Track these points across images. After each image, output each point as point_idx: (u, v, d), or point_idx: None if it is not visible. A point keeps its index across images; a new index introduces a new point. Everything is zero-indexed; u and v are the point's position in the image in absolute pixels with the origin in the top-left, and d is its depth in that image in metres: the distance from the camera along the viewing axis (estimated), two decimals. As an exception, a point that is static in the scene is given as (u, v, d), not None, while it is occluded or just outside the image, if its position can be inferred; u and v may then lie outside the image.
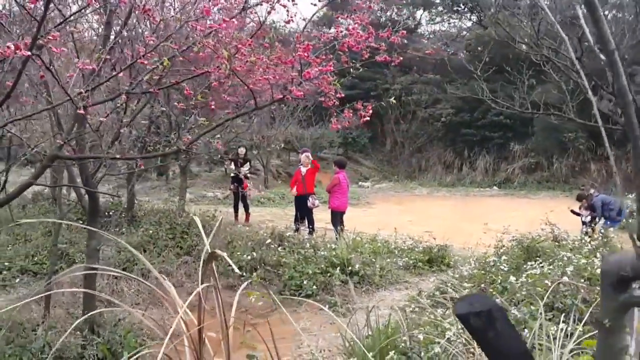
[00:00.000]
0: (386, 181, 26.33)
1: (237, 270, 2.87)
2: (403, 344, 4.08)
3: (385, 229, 12.68)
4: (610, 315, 1.23)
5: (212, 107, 4.88)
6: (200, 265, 7.47)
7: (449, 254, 8.83)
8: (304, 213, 11.24)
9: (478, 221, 14.35)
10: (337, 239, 10.10)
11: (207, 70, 3.63)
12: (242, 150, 14.42)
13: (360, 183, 24.95)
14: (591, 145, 23.49)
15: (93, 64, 3.21)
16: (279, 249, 7.69)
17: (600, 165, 23.51)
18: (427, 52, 25.47)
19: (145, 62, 3.54)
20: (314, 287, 6.79)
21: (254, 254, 7.48)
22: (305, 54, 3.69)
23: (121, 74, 3.78)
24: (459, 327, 3.72)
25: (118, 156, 4.33)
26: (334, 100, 6.12)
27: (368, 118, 3.83)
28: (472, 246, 8.94)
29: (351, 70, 4.45)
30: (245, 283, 4.19)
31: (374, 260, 7.99)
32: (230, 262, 2.76)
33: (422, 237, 9.90)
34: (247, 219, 13.63)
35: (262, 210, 16.10)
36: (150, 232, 8.30)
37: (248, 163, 14.35)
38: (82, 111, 3.24)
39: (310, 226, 11.11)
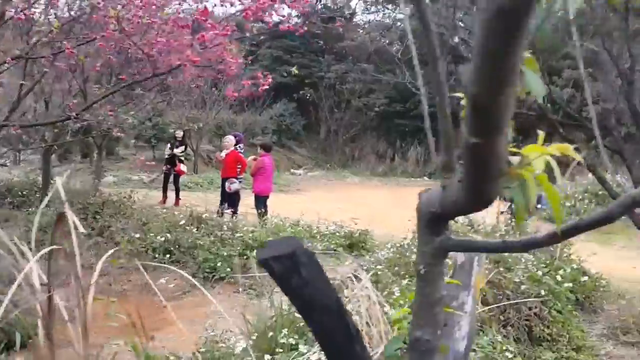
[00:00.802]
0: (319, 169, 26.28)
1: (82, 229, 2.62)
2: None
3: (313, 215, 12.65)
4: (426, 261, 1.12)
5: (124, 77, 4.64)
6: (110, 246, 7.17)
7: (370, 239, 8.82)
8: (225, 196, 11.07)
9: (406, 209, 14.50)
10: (259, 222, 9.96)
11: (95, 37, 3.40)
12: (179, 133, 14.28)
13: (292, 170, 24.82)
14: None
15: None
16: (195, 231, 7.46)
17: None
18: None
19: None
20: (228, 269, 6.63)
21: (168, 235, 7.24)
22: (203, 18, 3.50)
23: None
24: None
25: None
26: (234, 69, 5.99)
27: (267, 87, 3.60)
28: (395, 233, 8.97)
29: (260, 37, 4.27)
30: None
31: (293, 243, 7.87)
32: (77, 221, 2.50)
33: (347, 223, 9.89)
34: (176, 202, 13.36)
35: (189, 195, 15.69)
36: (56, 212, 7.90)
37: (183, 146, 14.02)
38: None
39: (232, 209, 10.90)
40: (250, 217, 9.87)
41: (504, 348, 4.06)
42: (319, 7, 31.99)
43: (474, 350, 3.89)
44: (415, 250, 6.15)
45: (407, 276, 5.30)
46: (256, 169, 10.77)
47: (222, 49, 9.30)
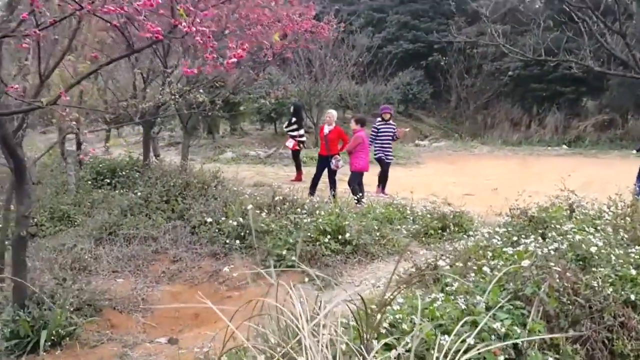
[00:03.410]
0: (446, 139, 25.10)
1: None
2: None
3: (422, 191, 11.95)
4: None
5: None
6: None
7: (466, 221, 8.02)
8: (321, 175, 10.76)
9: (528, 183, 13.32)
10: (361, 202, 9.49)
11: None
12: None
13: (416, 142, 23.92)
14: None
15: None
16: (264, 215, 7.16)
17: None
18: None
19: None
20: (293, 257, 6.26)
21: (241, 219, 7.01)
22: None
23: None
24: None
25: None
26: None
27: (235, 60, 3.02)
28: (502, 211, 8.08)
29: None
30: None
31: (376, 227, 7.34)
32: None
33: (456, 199, 9.14)
34: (296, 177, 13.53)
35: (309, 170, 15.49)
36: (145, 193, 7.99)
37: (291, 120, 13.98)
38: None
39: (333, 190, 10.51)
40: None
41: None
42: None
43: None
44: (494, 240, 5.35)
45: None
46: (355, 145, 10.27)
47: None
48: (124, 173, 9.71)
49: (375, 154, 11.66)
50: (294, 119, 13.88)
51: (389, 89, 24.81)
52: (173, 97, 6.85)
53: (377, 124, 11.88)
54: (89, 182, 9.60)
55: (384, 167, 11.73)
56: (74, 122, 4.52)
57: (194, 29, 2.36)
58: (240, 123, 21.73)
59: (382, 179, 11.69)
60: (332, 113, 11.33)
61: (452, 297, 3.93)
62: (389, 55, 25.85)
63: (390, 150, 11.91)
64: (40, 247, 6.93)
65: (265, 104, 18.38)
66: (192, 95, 7.14)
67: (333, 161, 10.56)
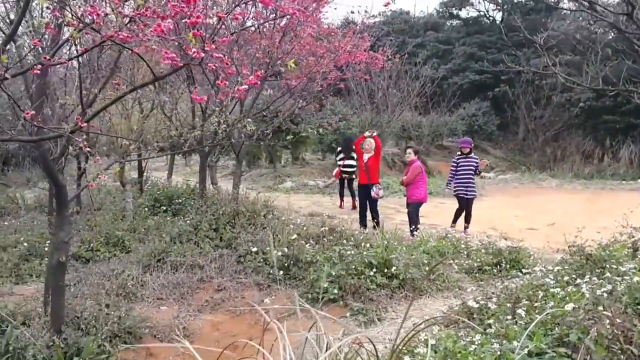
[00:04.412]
0: (512, 172, 24.38)
1: None
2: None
3: (484, 224, 11.54)
4: None
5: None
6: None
7: (523, 257, 7.64)
8: (367, 204, 10.54)
9: (596, 218, 12.68)
10: (413, 235, 9.26)
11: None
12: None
13: (482, 174, 23.30)
14: None
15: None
16: (308, 246, 7.04)
17: None
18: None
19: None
20: (335, 290, 6.09)
21: (286, 249, 6.92)
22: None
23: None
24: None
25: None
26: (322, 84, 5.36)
27: (246, 87, 2.89)
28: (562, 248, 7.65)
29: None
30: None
31: (425, 261, 7.09)
32: None
33: (518, 234, 8.73)
34: (353, 205, 13.80)
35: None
36: (195, 221, 8.04)
37: (341, 152, 14.37)
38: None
39: (376, 219, 10.28)
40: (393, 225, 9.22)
41: None
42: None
43: None
44: (548, 280, 5.03)
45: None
46: (414, 176, 9.99)
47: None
48: (180, 201, 9.84)
49: (455, 190, 11.00)
50: (339, 149, 14.51)
51: (453, 119, 24.46)
52: (220, 126, 6.90)
53: (457, 158, 11.10)
54: (146, 209, 9.77)
55: (463, 203, 10.94)
56: (127, 150, 4.58)
57: (202, 55, 2.31)
58: (302, 153, 21.85)
59: (466, 217, 10.94)
60: (371, 141, 11.01)
61: (493, 340, 3.68)
62: (454, 86, 25.57)
63: (473, 185, 11.04)
64: (90, 272, 7.04)
65: (326, 133, 18.51)
66: (240, 125, 7.16)
67: (374, 189, 10.35)
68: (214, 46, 2.47)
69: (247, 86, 2.46)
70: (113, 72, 4.16)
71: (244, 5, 3.04)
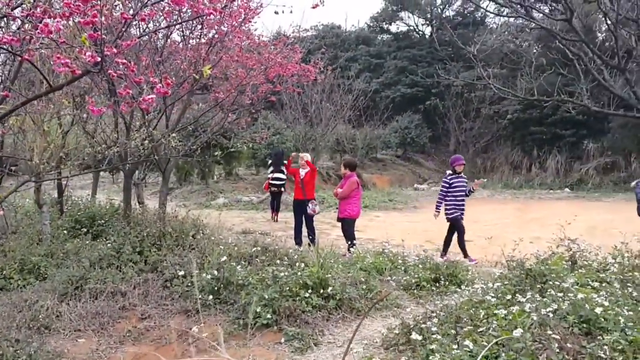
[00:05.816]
0: (445, 183, 24.71)
1: None
2: None
3: (418, 237, 11.44)
4: None
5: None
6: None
7: (461, 271, 7.50)
8: (302, 221, 10.26)
9: (529, 229, 12.84)
10: (350, 251, 9.02)
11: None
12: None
13: (416, 185, 23.52)
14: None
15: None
16: (239, 267, 6.64)
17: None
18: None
19: None
20: (268, 315, 5.72)
21: (216, 272, 6.50)
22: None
23: None
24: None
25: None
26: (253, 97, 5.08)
27: (153, 97, 2.51)
28: (502, 260, 7.54)
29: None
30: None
31: (362, 279, 6.83)
32: None
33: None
34: (275, 218, 14.56)
35: (285, 215, 15.13)
36: (117, 244, 7.51)
37: (271, 166, 14.77)
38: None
39: (311, 236, 10.01)
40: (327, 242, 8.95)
41: None
42: (448, 13, 30.59)
43: None
44: (488, 298, 4.84)
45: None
46: (351, 191, 9.62)
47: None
48: (102, 222, 9.24)
49: (448, 213, 9.60)
50: (269, 161, 14.99)
51: (386, 132, 24.60)
52: (144, 142, 6.46)
53: (449, 177, 9.66)
54: (66, 232, 9.10)
55: (457, 225, 9.59)
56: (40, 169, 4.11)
57: (99, 58, 1.96)
58: (235, 168, 21.37)
59: (460, 243, 9.60)
60: (306, 156, 10.76)
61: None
62: (387, 100, 25.77)
63: (464, 207, 9.66)
64: (1, 303, 6.41)
65: (259, 148, 18.16)
66: (165, 140, 6.73)
67: (310, 205, 10.08)
68: (115, 50, 2.11)
69: (153, 96, 2.13)
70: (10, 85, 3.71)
71: (152, 5, 2.70)
